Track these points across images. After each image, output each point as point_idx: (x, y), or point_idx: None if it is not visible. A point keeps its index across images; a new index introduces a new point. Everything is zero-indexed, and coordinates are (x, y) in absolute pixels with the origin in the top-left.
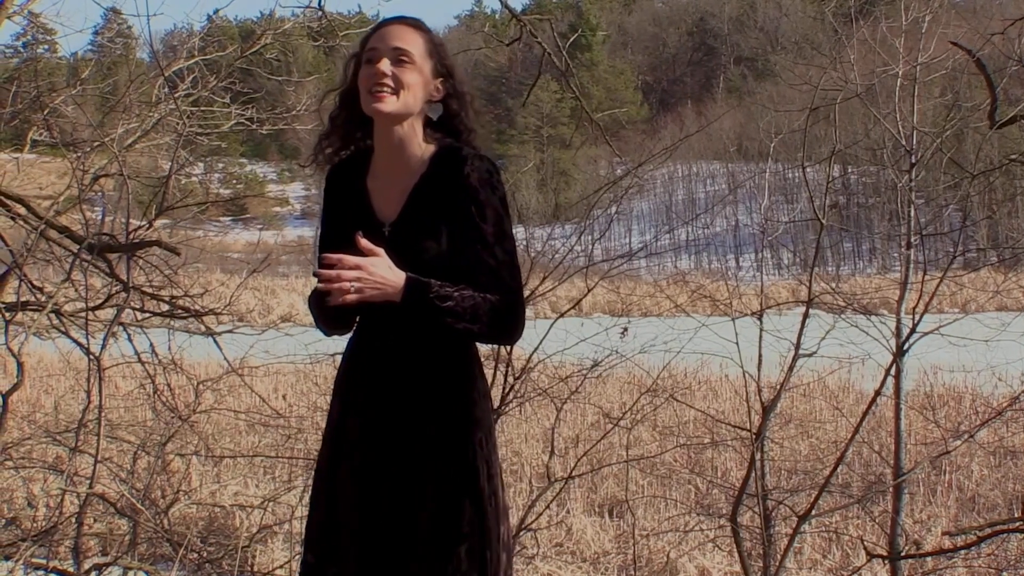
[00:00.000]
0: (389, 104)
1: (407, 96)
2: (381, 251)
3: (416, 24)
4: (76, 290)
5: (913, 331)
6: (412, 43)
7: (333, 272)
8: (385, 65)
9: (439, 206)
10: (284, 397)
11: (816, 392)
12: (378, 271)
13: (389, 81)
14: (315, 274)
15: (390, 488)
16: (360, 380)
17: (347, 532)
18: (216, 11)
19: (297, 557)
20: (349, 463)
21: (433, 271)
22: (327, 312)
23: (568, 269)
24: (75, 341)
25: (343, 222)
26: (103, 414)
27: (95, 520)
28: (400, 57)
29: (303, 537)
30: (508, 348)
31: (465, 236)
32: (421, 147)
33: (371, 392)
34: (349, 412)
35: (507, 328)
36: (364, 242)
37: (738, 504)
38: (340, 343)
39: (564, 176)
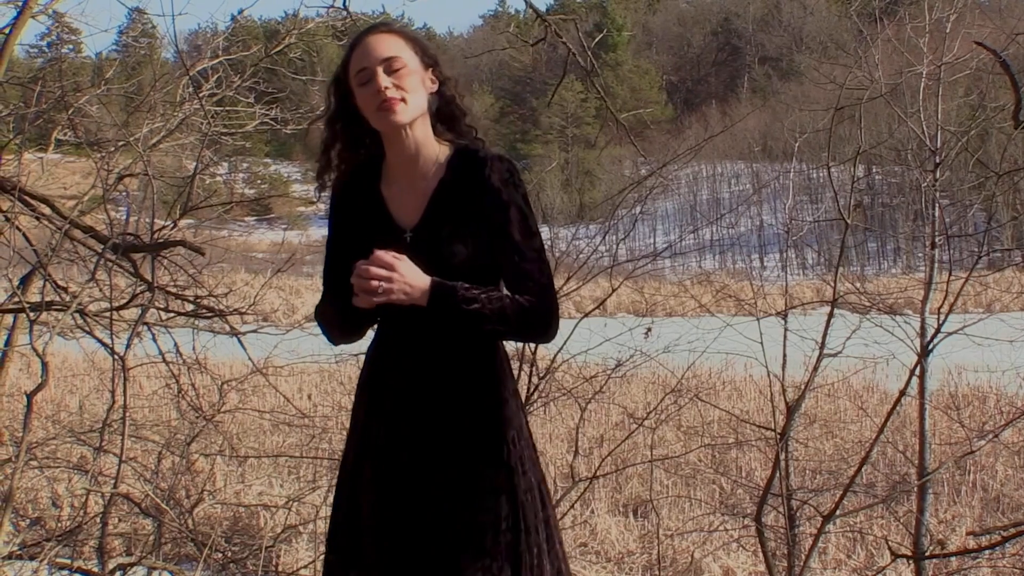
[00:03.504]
0: (403, 113)
1: (414, 98)
2: (404, 257)
3: (389, 28)
4: (100, 290)
5: (938, 331)
6: (395, 47)
7: (366, 268)
8: (383, 79)
9: (461, 210)
10: (309, 397)
11: (841, 392)
12: (407, 273)
13: (393, 92)
14: (353, 267)
15: (420, 492)
16: (385, 384)
17: (369, 535)
18: (241, 11)
19: (322, 557)
20: (374, 466)
21: (459, 275)
22: (344, 317)
23: (592, 269)
24: (99, 341)
25: (360, 231)
26: (127, 414)
27: (120, 520)
28: (393, 65)
29: (326, 537)
30: (532, 348)
31: (491, 238)
32: (436, 148)
33: (398, 396)
34: (375, 416)
35: (539, 327)
36: (382, 253)
37: (763, 504)
38: (364, 343)
39: (588, 176)
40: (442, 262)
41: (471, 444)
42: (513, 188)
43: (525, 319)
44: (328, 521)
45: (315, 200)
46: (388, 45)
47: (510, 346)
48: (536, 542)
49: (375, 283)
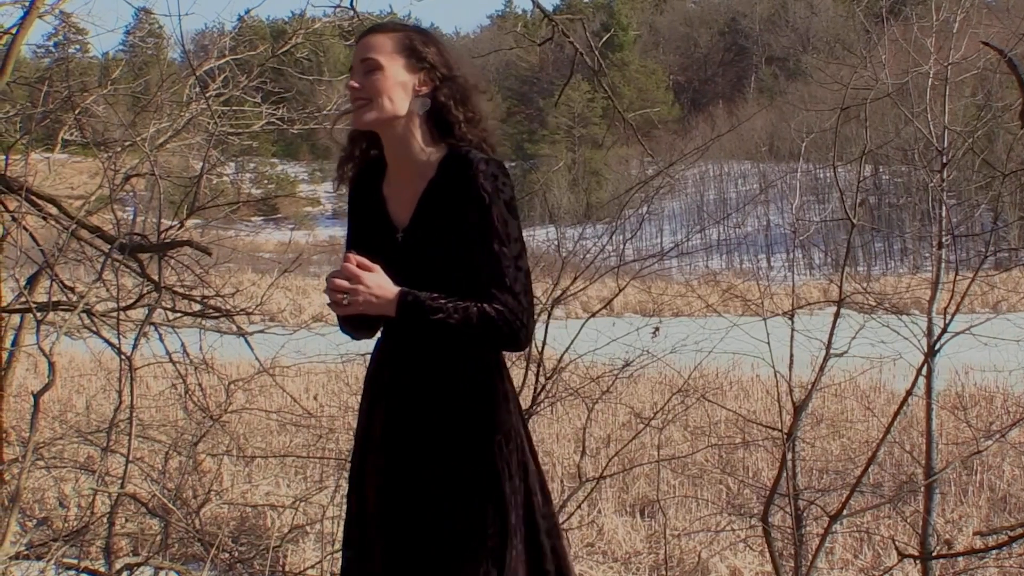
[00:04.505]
0: (364, 116)
1: (381, 102)
2: (376, 266)
3: (383, 28)
4: (107, 290)
5: (944, 331)
6: (376, 48)
7: (332, 280)
8: (353, 79)
9: (448, 211)
10: (315, 397)
11: (847, 392)
12: (372, 285)
13: (361, 93)
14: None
15: (411, 490)
16: (384, 382)
17: (372, 531)
18: (247, 11)
19: (328, 557)
20: (374, 463)
21: (444, 276)
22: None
23: (599, 269)
24: (106, 341)
25: (363, 228)
26: (134, 414)
27: (126, 520)
28: (368, 67)
29: (343, 535)
30: (539, 348)
31: (472, 240)
32: (425, 150)
33: (394, 394)
34: (375, 413)
35: (506, 336)
36: (355, 258)
37: (769, 504)
38: (370, 343)
39: (595, 176)
40: (429, 262)
41: (457, 447)
42: (497, 192)
43: (490, 329)
44: (341, 520)
45: (335, 188)
46: (372, 45)
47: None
48: (515, 547)
49: (338, 295)
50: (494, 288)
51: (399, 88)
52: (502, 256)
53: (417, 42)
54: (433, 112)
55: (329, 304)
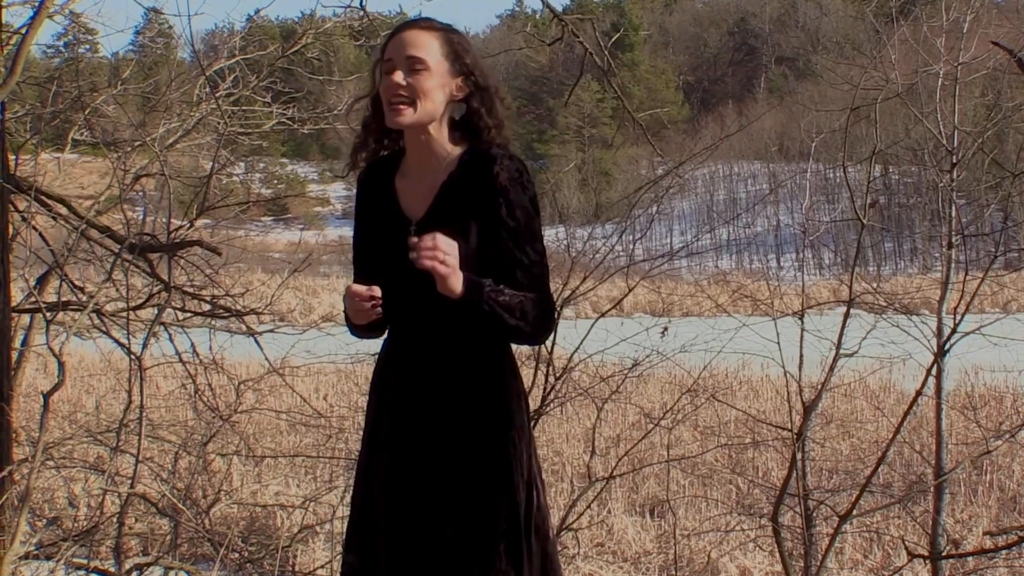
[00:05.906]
0: (407, 117)
1: (425, 104)
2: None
3: (430, 26)
4: (117, 290)
5: (954, 331)
6: (425, 48)
7: (357, 291)
8: (399, 76)
9: (467, 205)
10: (325, 397)
11: (857, 392)
12: (450, 251)
13: (404, 92)
14: (411, 245)
15: (421, 488)
16: (393, 380)
17: (379, 531)
18: (257, 11)
19: (338, 557)
20: (381, 462)
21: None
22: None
23: (609, 269)
24: (116, 341)
25: (373, 222)
26: (144, 414)
27: (136, 520)
28: (414, 66)
29: (344, 538)
30: (549, 348)
31: (494, 236)
32: (448, 148)
33: (403, 392)
34: (382, 411)
35: (546, 327)
36: (416, 240)
37: (779, 504)
38: (377, 343)
39: (605, 176)
40: None
41: (472, 442)
42: (521, 189)
43: (538, 317)
44: (345, 522)
45: (344, 174)
46: (419, 44)
47: (525, 347)
48: (529, 541)
49: (367, 304)
50: (525, 282)
51: (440, 91)
52: (530, 253)
53: (459, 47)
54: (462, 117)
55: (354, 313)
